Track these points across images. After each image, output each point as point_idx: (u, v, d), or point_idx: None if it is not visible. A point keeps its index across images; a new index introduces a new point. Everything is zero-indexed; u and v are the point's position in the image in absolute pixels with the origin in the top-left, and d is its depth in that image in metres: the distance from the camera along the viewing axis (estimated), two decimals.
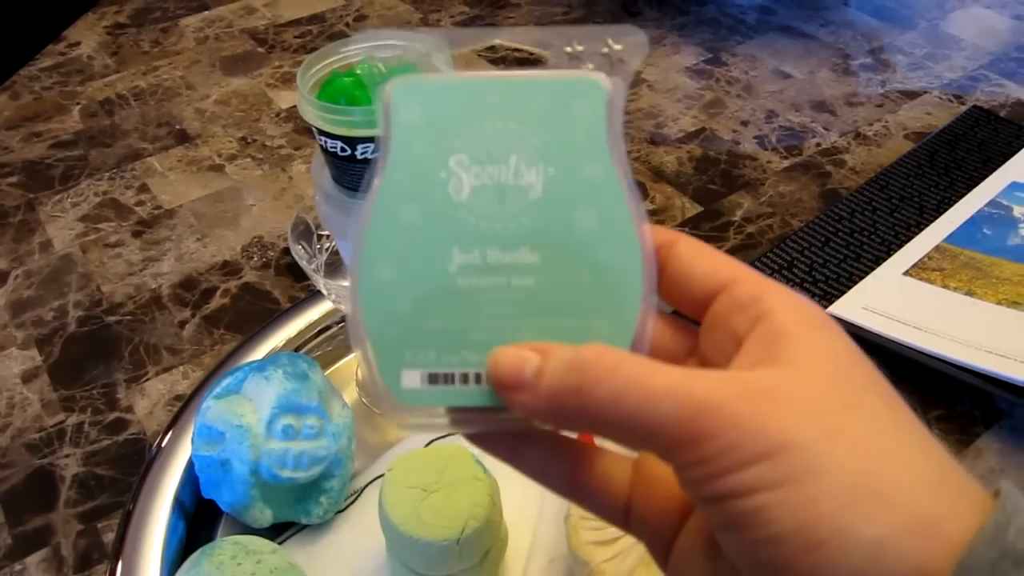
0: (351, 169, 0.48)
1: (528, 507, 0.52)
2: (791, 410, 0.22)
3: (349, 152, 0.47)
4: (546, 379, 0.24)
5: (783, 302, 0.24)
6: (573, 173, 0.26)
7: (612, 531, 0.47)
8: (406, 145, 0.27)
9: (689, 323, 0.28)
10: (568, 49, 0.28)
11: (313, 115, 0.47)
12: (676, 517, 0.27)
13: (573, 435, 0.27)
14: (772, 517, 0.21)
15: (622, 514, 0.28)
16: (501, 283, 0.26)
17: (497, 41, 0.31)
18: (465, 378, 0.26)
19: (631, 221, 0.26)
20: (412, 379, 0.26)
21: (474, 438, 0.27)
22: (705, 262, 0.26)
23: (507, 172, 0.26)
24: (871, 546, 0.20)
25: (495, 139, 0.27)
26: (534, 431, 0.27)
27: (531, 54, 0.98)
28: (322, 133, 0.47)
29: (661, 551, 0.27)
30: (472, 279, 0.26)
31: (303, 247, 0.57)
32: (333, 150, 0.48)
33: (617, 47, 0.28)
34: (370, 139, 0.46)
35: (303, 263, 0.54)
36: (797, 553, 0.21)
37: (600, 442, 0.27)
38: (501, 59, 0.99)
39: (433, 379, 0.26)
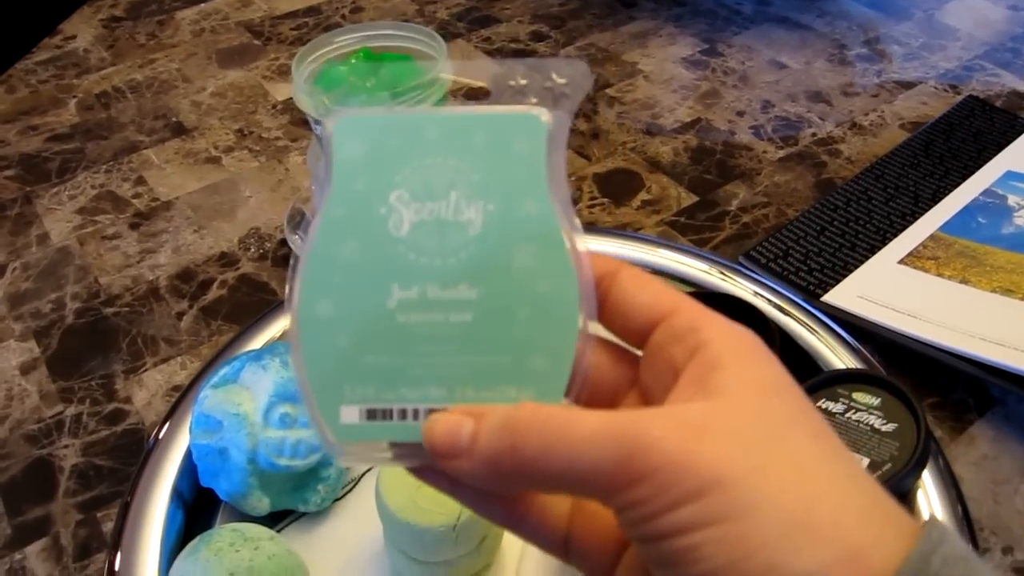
0: None
1: None
2: (720, 445, 0.22)
3: None
4: (481, 443, 0.24)
5: (719, 332, 0.25)
6: (512, 209, 0.26)
7: None
8: (347, 180, 0.27)
9: (630, 352, 0.28)
10: (512, 83, 0.28)
11: (308, 104, 0.47)
12: (613, 550, 0.27)
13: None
14: (705, 554, 0.21)
15: (562, 546, 0.28)
16: (440, 319, 0.26)
17: (443, 75, 0.31)
18: (403, 413, 0.26)
19: (568, 258, 0.26)
20: (351, 415, 0.26)
21: (416, 471, 0.28)
22: (646, 292, 0.27)
23: (447, 208, 0.26)
24: None
25: (435, 175, 0.27)
26: None
27: (527, 45, 0.98)
28: (318, 122, 0.48)
29: None
30: (411, 315, 0.26)
31: (300, 237, 0.57)
32: None
33: (560, 81, 0.27)
34: None
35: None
36: None
37: None
38: (498, 50, 0.99)
39: (372, 415, 0.26)
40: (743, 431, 0.23)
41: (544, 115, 0.27)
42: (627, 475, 0.22)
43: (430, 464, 0.26)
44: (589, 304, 0.26)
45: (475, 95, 0.88)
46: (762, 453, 0.22)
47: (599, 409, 0.24)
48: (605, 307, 0.27)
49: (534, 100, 0.27)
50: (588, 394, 0.27)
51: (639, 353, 0.28)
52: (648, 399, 0.27)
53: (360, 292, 0.26)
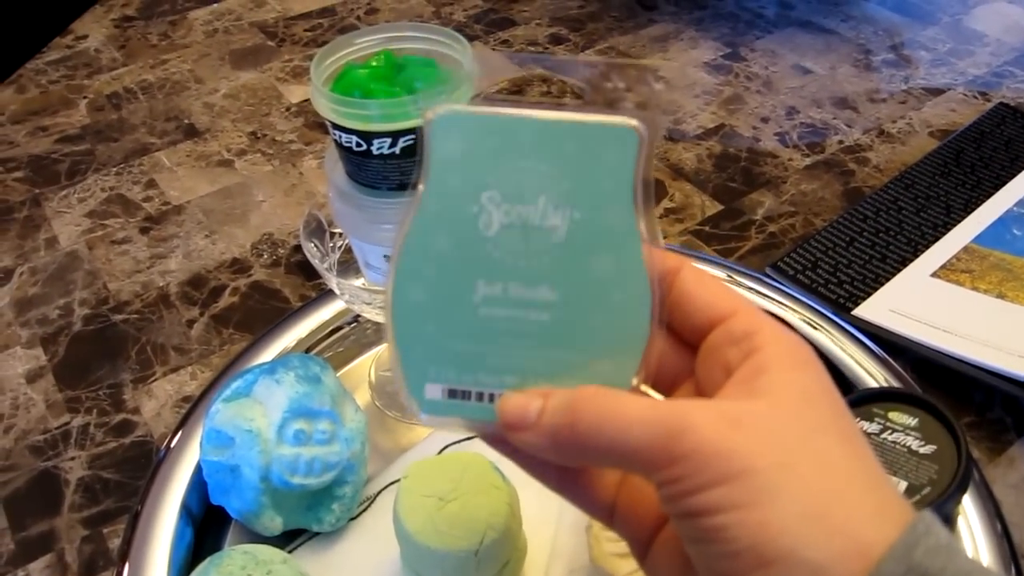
0: (367, 165, 0.46)
1: (547, 516, 0.50)
2: (751, 439, 0.24)
3: (365, 147, 0.45)
4: (546, 418, 0.27)
5: (772, 339, 0.27)
6: (596, 219, 0.28)
7: None
8: (443, 176, 0.28)
9: (686, 347, 0.30)
10: (609, 85, 0.28)
11: (327, 109, 0.45)
12: (654, 523, 0.30)
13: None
14: (731, 536, 0.24)
15: (607, 513, 0.31)
16: (519, 316, 0.28)
17: (540, 70, 0.31)
18: (480, 396, 0.29)
19: (644, 272, 0.28)
20: (434, 392, 0.29)
21: (484, 438, 0.31)
22: (707, 292, 0.29)
23: (535, 213, 0.28)
24: (811, 569, 0.23)
25: (527, 179, 0.28)
26: None
27: (546, 48, 0.96)
28: (336, 127, 0.46)
29: (640, 550, 0.30)
30: (494, 309, 0.28)
31: (315, 245, 0.55)
32: (348, 145, 0.46)
33: (658, 86, 0.28)
34: (386, 134, 0.45)
35: (315, 261, 0.52)
36: (750, 568, 0.23)
37: None
38: (517, 52, 0.97)
39: (452, 394, 0.29)
40: (775, 430, 0.25)
41: (637, 127, 0.28)
42: (667, 454, 0.25)
43: (494, 434, 0.29)
44: (660, 316, 0.28)
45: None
46: (790, 451, 0.24)
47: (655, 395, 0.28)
48: (666, 303, 0.29)
49: (629, 104, 0.28)
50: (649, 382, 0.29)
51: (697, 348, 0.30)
52: (701, 392, 0.29)
53: (449, 283, 0.28)
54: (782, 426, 0.25)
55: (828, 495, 0.24)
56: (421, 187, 0.28)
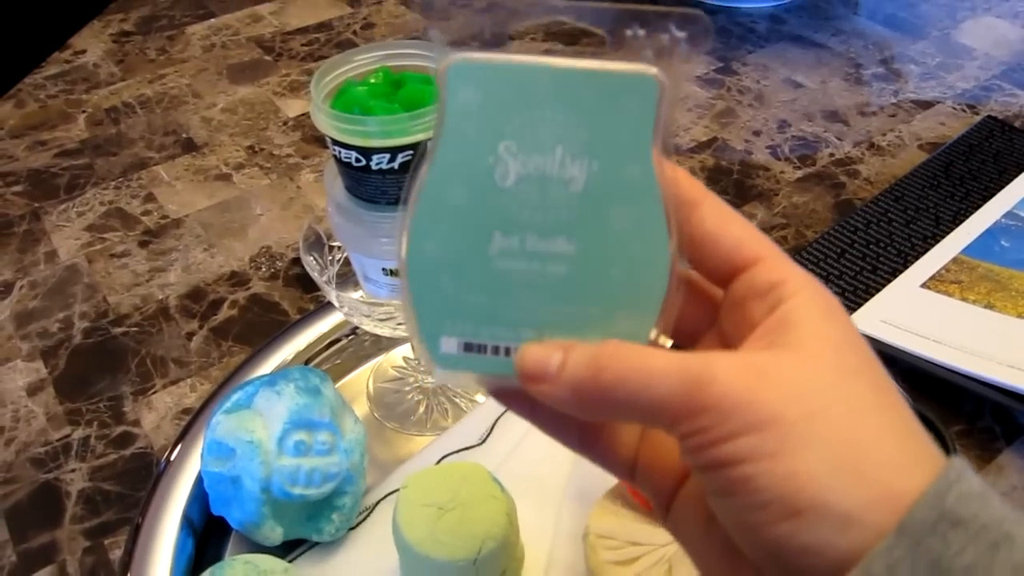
0: (366, 180, 0.47)
1: (544, 525, 0.51)
2: (779, 388, 0.24)
3: (364, 163, 0.46)
4: (568, 370, 0.26)
5: (799, 289, 0.26)
6: (615, 171, 0.27)
7: (632, 551, 0.45)
8: (459, 126, 0.27)
9: (712, 295, 0.29)
10: (629, 32, 0.27)
11: (327, 124, 0.46)
12: (676, 478, 0.29)
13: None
14: (758, 486, 0.23)
15: (628, 470, 0.30)
16: (536, 268, 0.28)
17: (559, 17, 0.31)
18: (496, 350, 0.28)
19: (664, 224, 0.27)
20: (450, 345, 0.28)
21: (498, 394, 0.30)
22: (729, 234, 0.28)
23: (552, 163, 0.27)
24: (841, 517, 0.22)
25: (544, 128, 0.27)
26: None
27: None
28: (336, 143, 0.46)
29: (662, 506, 0.30)
30: (510, 262, 0.28)
31: (314, 258, 0.56)
32: (347, 160, 0.47)
33: (680, 34, 0.27)
34: (385, 150, 0.45)
35: (314, 274, 0.53)
36: (778, 519, 0.23)
37: None
38: None
39: (468, 347, 0.28)
40: (803, 379, 0.24)
41: (658, 75, 0.27)
42: (690, 405, 0.24)
43: (508, 389, 0.29)
44: (679, 269, 0.27)
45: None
46: (819, 400, 0.24)
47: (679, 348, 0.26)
48: (682, 237, 0.28)
49: (649, 52, 0.27)
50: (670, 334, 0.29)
51: (720, 293, 0.29)
52: (725, 344, 0.29)
53: (465, 236, 0.28)
54: (811, 375, 0.24)
55: (859, 444, 0.23)
56: (437, 139, 0.28)
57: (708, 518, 0.27)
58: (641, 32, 0.27)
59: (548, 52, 0.28)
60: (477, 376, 0.29)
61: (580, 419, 0.29)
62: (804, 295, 0.26)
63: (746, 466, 0.23)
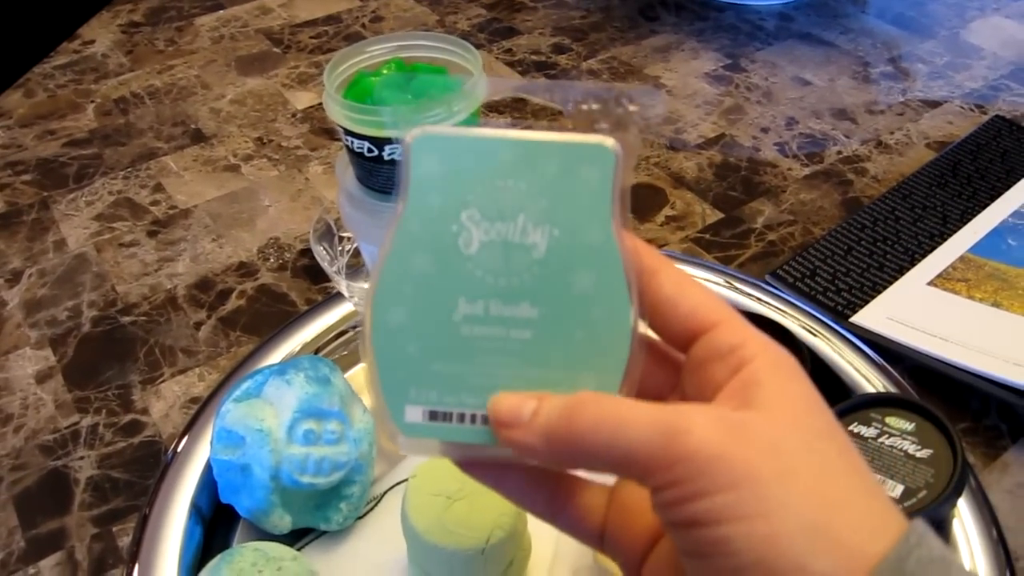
0: (378, 170, 0.47)
1: None
2: (754, 446, 0.24)
3: (376, 153, 0.46)
4: (541, 416, 0.26)
5: (759, 351, 0.27)
6: (575, 236, 0.28)
7: None
8: (423, 195, 0.28)
9: (674, 357, 0.30)
10: (584, 107, 0.29)
11: (340, 115, 0.46)
12: (646, 543, 0.29)
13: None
14: (736, 548, 0.23)
15: (596, 537, 0.30)
16: (501, 334, 0.28)
17: (521, 94, 0.32)
18: (462, 417, 0.28)
19: (625, 287, 0.28)
20: (415, 414, 0.28)
21: (463, 464, 0.30)
22: (687, 300, 0.28)
23: (514, 230, 0.28)
24: None
25: (506, 197, 0.28)
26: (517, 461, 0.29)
27: (548, 57, 0.98)
28: (348, 133, 0.47)
29: (632, 573, 0.29)
30: (475, 328, 0.28)
31: (325, 248, 0.56)
32: (359, 151, 0.47)
33: (632, 108, 0.28)
34: (398, 140, 0.46)
35: (325, 265, 0.53)
36: None
37: (581, 472, 0.29)
38: (519, 63, 0.98)
39: (433, 416, 0.28)
40: (777, 438, 0.24)
41: (613, 145, 0.28)
42: (666, 455, 0.24)
43: (474, 458, 0.29)
44: (637, 332, 0.28)
45: (495, 107, 0.87)
46: (792, 460, 0.24)
47: None
48: (643, 303, 0.28)
49: (605, 125, 0.28)
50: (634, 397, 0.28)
51: (682, 357, 0.29)
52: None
53: (430, 303, 0.28)
54: (782, 435, 0.24)
55: (832, 506, 0.23)
56: (401, 208, 0.28)
57: None
58: (595, 107, 0.28)
59: (512, 125, 0.29)
60: (442, 445, 0.29)
61: (547, 487, 0.29)
62: (766, 357, 0.26)
63: (722, 527, 0.23)
